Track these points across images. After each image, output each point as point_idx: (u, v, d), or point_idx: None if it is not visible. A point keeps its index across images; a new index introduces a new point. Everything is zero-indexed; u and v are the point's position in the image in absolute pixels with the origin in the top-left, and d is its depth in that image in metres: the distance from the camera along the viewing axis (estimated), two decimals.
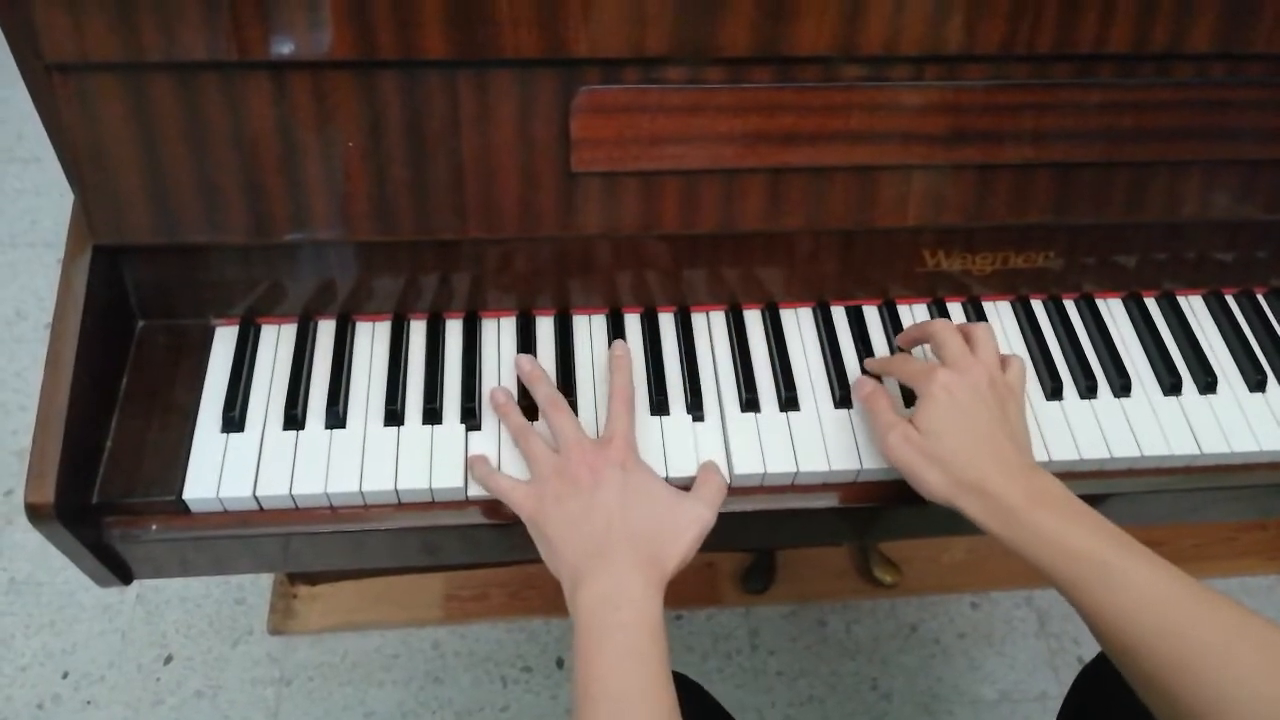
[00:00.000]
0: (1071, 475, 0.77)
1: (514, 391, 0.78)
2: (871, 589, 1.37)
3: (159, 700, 1.28)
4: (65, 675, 1.30)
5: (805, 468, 0.75)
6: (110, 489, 0.72)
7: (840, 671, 1.32)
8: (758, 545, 1.33)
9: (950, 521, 0.69)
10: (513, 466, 0.74)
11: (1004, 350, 0.77)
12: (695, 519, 0.69)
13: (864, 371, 0.80)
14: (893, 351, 0.82)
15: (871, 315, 0.84)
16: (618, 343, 0.79)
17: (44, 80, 0.66)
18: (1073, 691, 0.88)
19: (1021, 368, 0.74)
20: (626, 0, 0.66)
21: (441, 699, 1.29)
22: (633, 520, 0.67)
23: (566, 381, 0.78)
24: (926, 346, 0.79)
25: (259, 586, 1.37)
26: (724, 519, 0.72)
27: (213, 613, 1.35)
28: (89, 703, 1.28)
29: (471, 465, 0.74)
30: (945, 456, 0.67)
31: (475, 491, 0.74)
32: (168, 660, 1.31)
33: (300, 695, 1.29)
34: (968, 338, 0.73)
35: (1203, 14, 0.70)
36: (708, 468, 0.74)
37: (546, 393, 0.75)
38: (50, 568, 1.38)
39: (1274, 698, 0.55)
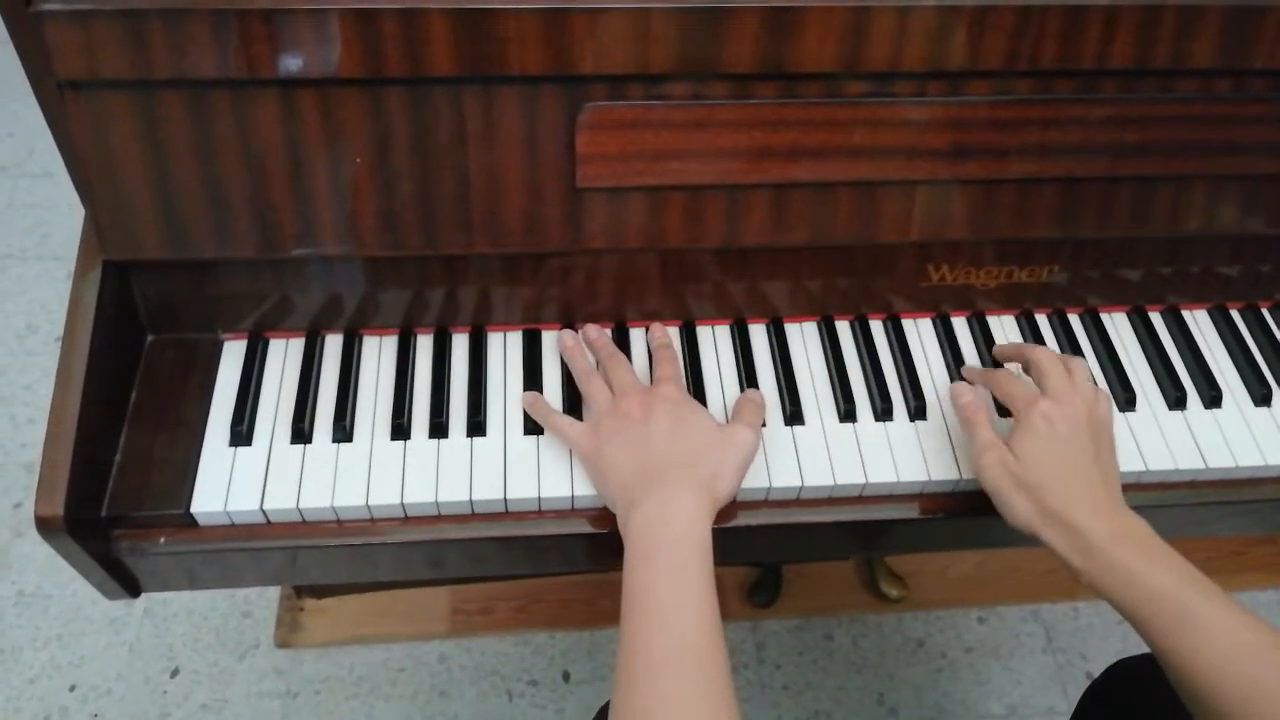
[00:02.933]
0: None
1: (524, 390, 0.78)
2: (878, 603, 1.37)
3: (165, 713, 1.28)
4: (73, 688, 1.30)
5: (810, 482, 0.75)
6: (119, 502, 0.73)
7: (847, 685, 1.32)
8: (764, 560, 1.33)
9: (957, 537, 0.69)
10: (523, 473, 0.74)
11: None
12: (740, 442, 0.71)
13: (954, 379, 0.81)
14: (902, 356, 0.82)
15: (877, 329, 0.85)
16: (654, 326, 0.83)
17: (56, 97, 0.67)
18: (1080, 707, 0.88)
19: (1110, 404, 0.74)
20: (631, 17, 0.67)
21: (447, 713, 1.29)
22: (681, 447, 0.70)
23: (572, 394, 0.79)
24: (1016, 365, 0.80)
25: (266, 600, 1.37)
26: (729, 534, 0.72)
27: (219, 626, 1.36)
28: (96, 715, 1.28)
29: (527, 403, 0.78)
30: (1036, 486, 0.68)
31: (481, 505, 0.74)
32: (174, 673, 1.32)
33: (306, 708, 1.29)
34: (1069, 365, 0.74)
35: (1205, 29, 0.71)
36: (743, 397, 0.77)
37: (608, 349, 0.80)
38: (58, 580, 1.38)
39: None
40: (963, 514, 0.77)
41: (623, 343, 0.82)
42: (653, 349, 0.81)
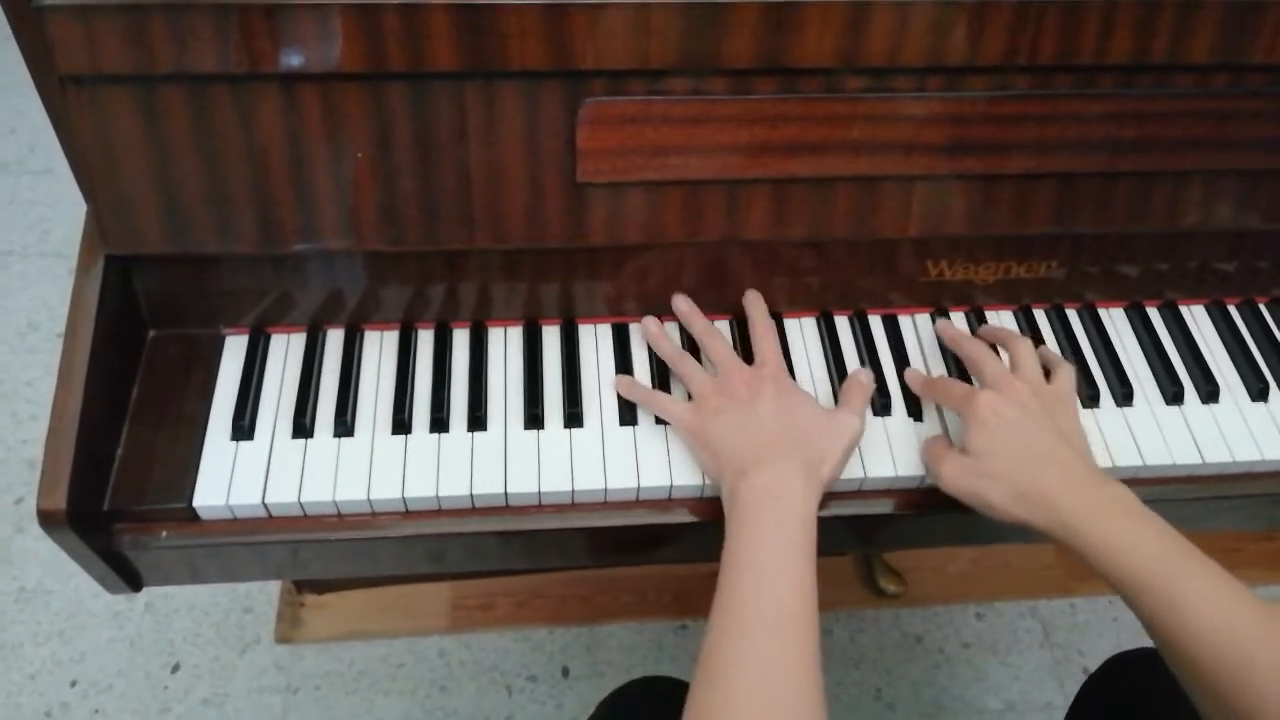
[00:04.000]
0: None
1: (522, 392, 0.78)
2: (876, 599, 1.37)
3: (166, 708, 1.29)
4: (74, 683, 1.31)
5: None
6: (121, 496, 0.73)
7: (845, 681, 1.32)
8: None
9: (954, 532, 0.69)
10: (524, 467, 0.75)
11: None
12: (847, 426, 0.72)
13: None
14: (900, 352, 0.83)
15: (875, 324, 0.85)
16: (752, 294, 0.82)
17: (58, 92, 0.67)
18: (1078, 700, 0.88)
19: (1070, 374, 0.75)
20: (632, 13, 0.67)
21: (447, 708, 1.29)
22: (789, 428, 0.70)
23: (572, 389, 0.79)
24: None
25: (266, 595, 1.38)
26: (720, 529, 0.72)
27: (220, 621, 1.36)
28: (97, 711, 1.28)
29: (624, 386, 0.78)
30: (1000, 475, 0.68)
31: (481, 499, 0.74)
32: (175, 669, 1.32)
33: (307, 704, 1.30)
34: (1008, 347, 0.76)
35: (1203, 24, 0.71)
36: (852, 379, 0.77)
37: (702, 325, 0.80)
38: (59, 576, 1.39)
39: None
40: (960, 509, 0.77)
41: (623, 341, 0.83)
42: (752, 322, 0.80)
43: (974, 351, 0.76)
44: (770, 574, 0.63)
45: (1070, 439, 0.70)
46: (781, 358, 0.77)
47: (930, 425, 0.79)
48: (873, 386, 0.77)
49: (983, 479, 0.69)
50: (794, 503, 0.66)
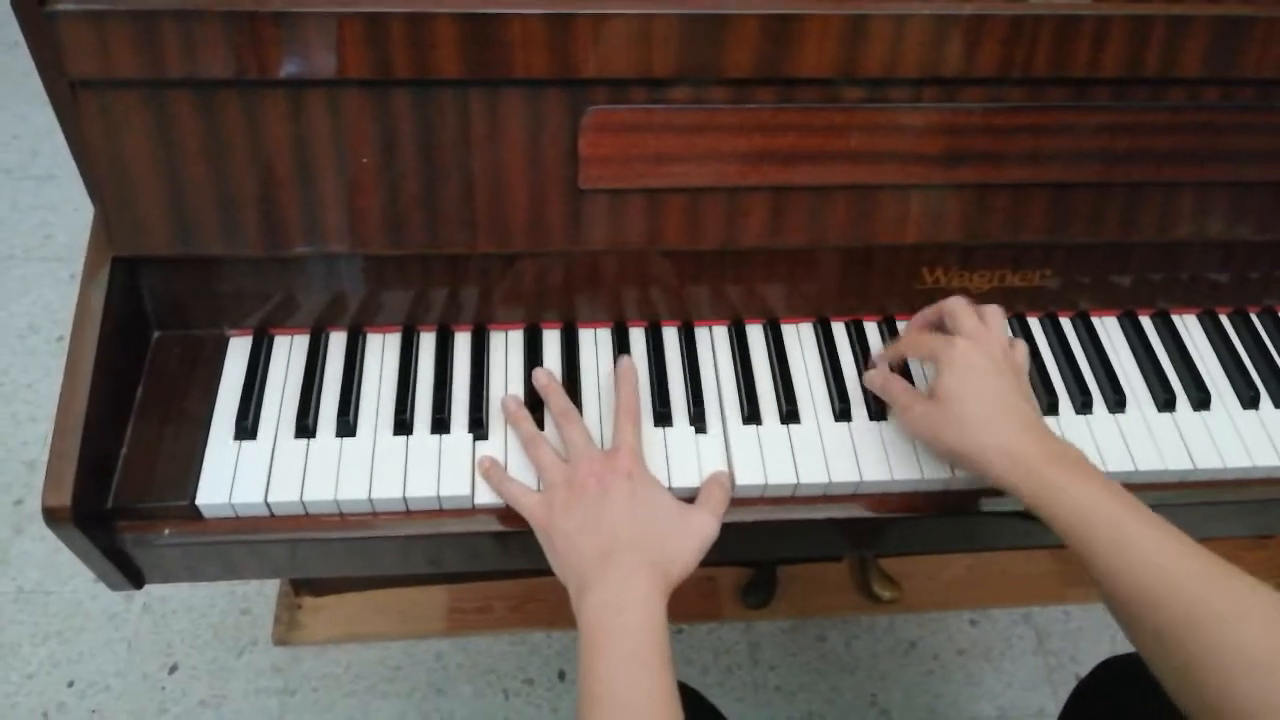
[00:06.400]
0: None
1: (523, 400, 0.79)
2: (871, 605, 1.38)
3: (163, 709, 1.29)
4: (71, 684, 1.31)
5: (805, 479, 0.76)
6: (125, 494, 0.74)
7: (839, 687, 1.33)
8: (758, 558, 1.34)
9: (949, 537, 0.70)
10: (522, 473, 0.75)
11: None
12: (700, 528, 0.70)
13: (869, 366, 0.83)
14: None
15: (871, 331, 0.86)
16: (623, 358, 0.80)
17: (68, 96, 0.68)
18: (1068, 706, 0.89)
19: (1026, 350, 0.78)
20: (634, 23, 0.68)
21: (444, 711, 1.30)
22: (638, 528, 0.68)
23: (572, 393, 0.80)
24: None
25: (264, 597, 1.38)
26: (725, 530, 0.73)
27: (218, 623, 1.37)
28: (94, 711, 1.29)
29: (483, 469, 0.75)
30: (966, 418, 0.70)
31: (482, 500, 0.75)
32: (173, 670, 1.33)
33: (304, 706, 1.30)
34: (980, 311, 0.77)
35: (1193, 39, 0.72)
36: (712, 479, 0.75)
37: (560, 404, 0.77)
38: (58, 577, 1.39)
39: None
40: (955, 513, 0.79)
41: (622, 342, 0.84)
42: (617, 385, 0.78)
43: (954, 306, 0.77)
44: (629, 707, 0.60)
45: (1030, 399, 0.73)
46: (639, 444, 0.74)
47: None
48: (731, 487, 0.75)
49: (948, 423, 0.70)
50: (640, 614, 0.64)
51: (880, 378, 0.78)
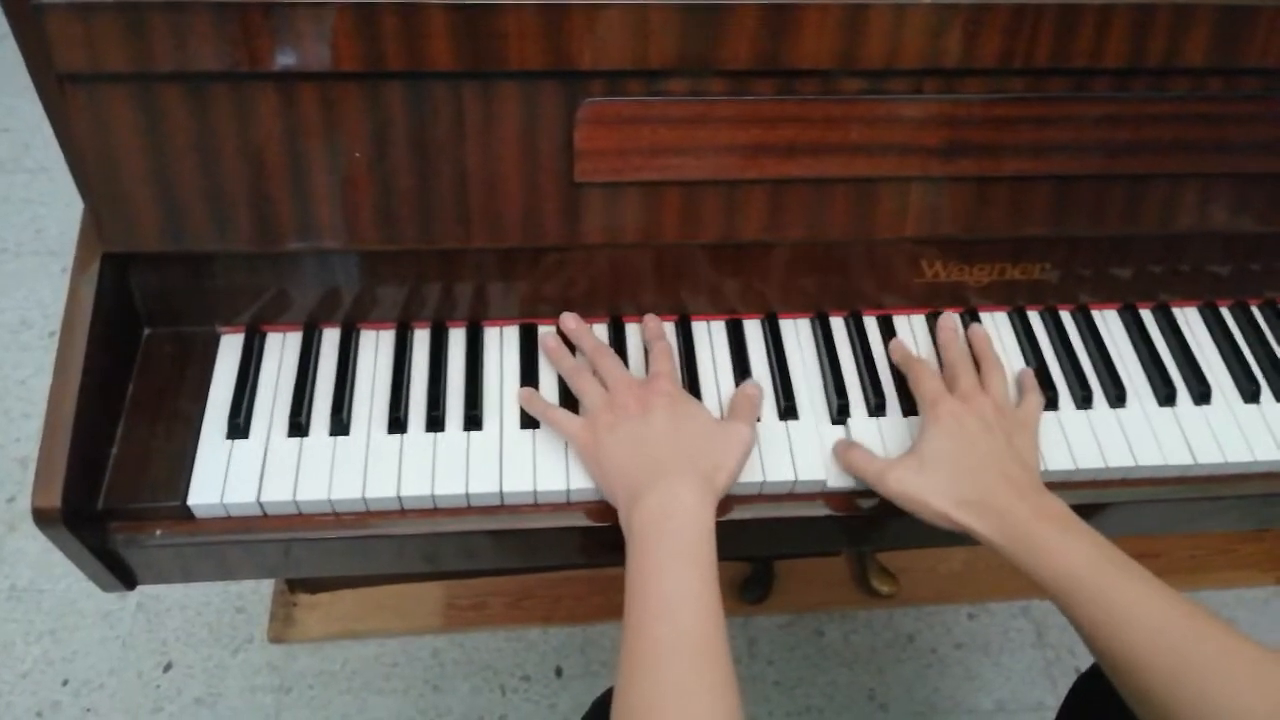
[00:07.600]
0: (1067, 485, 0.78)
1: (521, 407, 0.78)
2: (869, 599, 1.37)
3: (158, 708, 1.28)
4: (65, 682, 1.30)
5: (804, 476, 0.76)
6: (116, 494, 0.73)
7: (838, 681, 1.33)
8: (756, 554, 1.33)
9: (947, 532, 0.70)
10: (525, 470, 0.75)
11: (998, 361, 0.79)
12: (741, 437, 0.72)
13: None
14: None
15: (870, 325, 0.85)
16: (649, 316, 0.83)
17: (56, 90, 0.67)
18: (1067, 701, 0.89)
19: (1039, 403, 0.78)
20: (630, 14, 0.67)
21: (440, 707, 1.29)
22: (682, 440, 0.70)
23: (568, 389, 0.79)
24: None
25: (259, 595, 1.38)
26: (723, 527, 0.72)
27: (213, 621, 1.36)
28: (89, 710, 1.28)
29: (524, 399, 0.77)
30: (950, 479, 0.70)
31: (476, 498, 0.74)
32: (168, 668, 1.32)
33: (300, 703, 1.29)
34: (983, 367, 0.78)
35: (1197, 28, 0.72)
36: (740, 391, 0.77)
37: (591, 342, 0.79)
38: (51, 575, 1.38)
39: (1267, 714, 0.56)
40: None
41: (619, 339, 0.83)
42: (647, 342, 0.81)
43: (955, 359, 0.78)
44: (675, 601, 0.62)
45: (1023, 459, 0.72)
46: (676, 371, 0.77)
47: None
48: (761, 397, 0.78)
49: (928, 482, 0.70)
50: (689, 519, 0.66)
51: (844, 451, 0.76)
